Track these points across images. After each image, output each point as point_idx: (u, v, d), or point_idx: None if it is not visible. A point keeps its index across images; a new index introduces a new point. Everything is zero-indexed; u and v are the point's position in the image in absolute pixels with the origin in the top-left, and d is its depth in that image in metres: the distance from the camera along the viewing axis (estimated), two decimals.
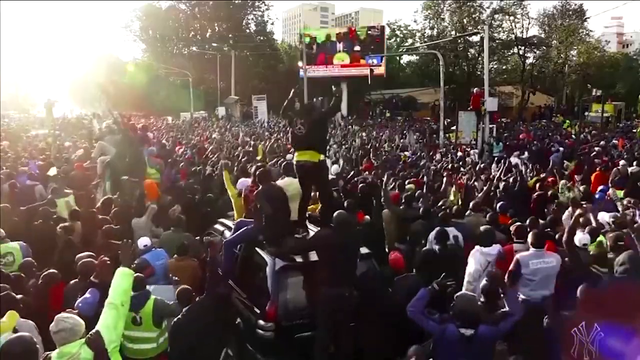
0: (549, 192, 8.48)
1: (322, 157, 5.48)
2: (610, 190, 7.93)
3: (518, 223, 6.01)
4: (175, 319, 4.29)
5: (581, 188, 8.72)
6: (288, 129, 6.77)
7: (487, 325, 3.76)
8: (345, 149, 14.49)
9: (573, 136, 21.35)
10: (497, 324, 3.86)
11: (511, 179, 9.10)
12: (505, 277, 4.86)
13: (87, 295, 4.33)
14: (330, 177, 6.97)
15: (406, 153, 15.33)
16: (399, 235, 6.90)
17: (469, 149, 17.51)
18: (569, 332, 4.04)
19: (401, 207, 7.26)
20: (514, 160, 12.70)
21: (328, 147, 12.38)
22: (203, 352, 4.20)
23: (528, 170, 10.70)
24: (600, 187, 8.75)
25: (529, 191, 8.70)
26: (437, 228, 5.93)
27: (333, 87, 6.35)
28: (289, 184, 5.76)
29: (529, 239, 5.19)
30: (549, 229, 6.29)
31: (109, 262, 4.55)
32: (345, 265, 4.81)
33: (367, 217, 7.20)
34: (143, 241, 5.72)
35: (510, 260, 5.16)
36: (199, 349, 4.14)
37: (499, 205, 7.57)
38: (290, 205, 5.56)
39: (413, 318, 3.96)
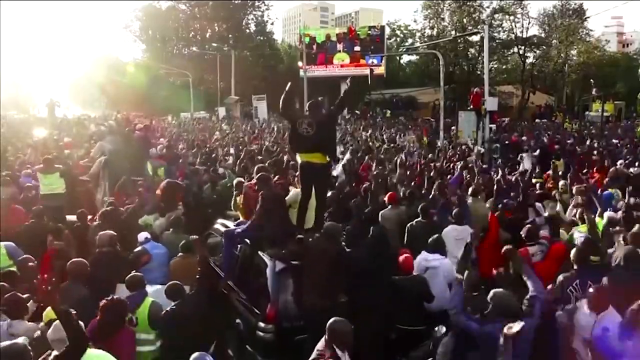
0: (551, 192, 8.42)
1: (328, 159, 5.32)
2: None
3: (529, 225, 5.93)
4: (166, 310, 4.21)
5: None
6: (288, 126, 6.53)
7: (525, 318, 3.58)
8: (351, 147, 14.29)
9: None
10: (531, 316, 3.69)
11: (515, 177, 9.06)
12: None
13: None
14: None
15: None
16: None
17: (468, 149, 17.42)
18: (566, 291, 4.20)
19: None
20: (527, 162, 12.50)
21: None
22: (193, 345, 4.01)
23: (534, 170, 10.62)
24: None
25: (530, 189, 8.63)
26: None
27: (348, 81, 5.80)
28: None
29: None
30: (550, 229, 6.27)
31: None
32: (333, 276, 4.71)
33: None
34: (143, 234, 5.98)
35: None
36: (190, 341, 3.94)
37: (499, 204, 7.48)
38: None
39: (456, 321, 3.87)
